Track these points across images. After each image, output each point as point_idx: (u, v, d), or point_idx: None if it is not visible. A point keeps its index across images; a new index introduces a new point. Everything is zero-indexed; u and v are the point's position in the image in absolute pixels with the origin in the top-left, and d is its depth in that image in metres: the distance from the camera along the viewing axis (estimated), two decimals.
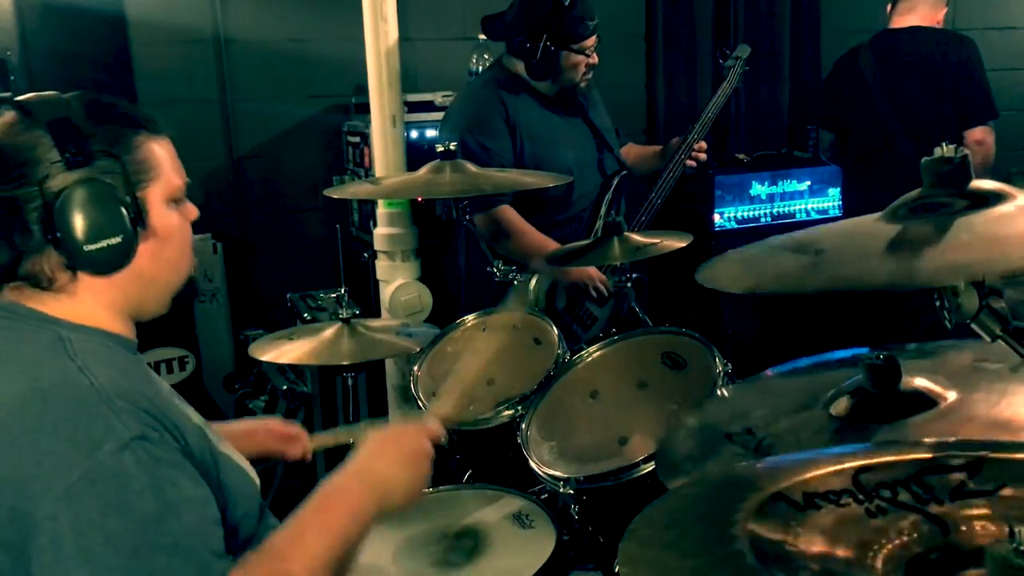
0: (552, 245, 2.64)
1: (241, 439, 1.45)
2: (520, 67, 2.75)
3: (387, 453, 1.26)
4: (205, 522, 1.04)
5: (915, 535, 0.75)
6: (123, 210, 1.13)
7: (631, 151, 3.04)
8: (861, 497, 0.77)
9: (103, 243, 1.12)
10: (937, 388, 1.12)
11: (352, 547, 1.14)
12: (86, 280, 1.15)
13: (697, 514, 0.81)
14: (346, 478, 1.21)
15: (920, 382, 1.13)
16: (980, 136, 3.18)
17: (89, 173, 1.11)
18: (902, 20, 3.34)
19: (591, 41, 2.70)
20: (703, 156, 2.87)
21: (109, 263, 1.14)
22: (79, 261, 1.12)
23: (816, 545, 0.73)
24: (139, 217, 1.15)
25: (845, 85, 3.46)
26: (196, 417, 1.23)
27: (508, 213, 2.64)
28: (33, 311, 1.14)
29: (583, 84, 2.75)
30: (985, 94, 3.22)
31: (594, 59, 2.73)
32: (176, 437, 1.08)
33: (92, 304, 1.16)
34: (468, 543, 1.54)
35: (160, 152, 1.20)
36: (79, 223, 1.10)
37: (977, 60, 3.23)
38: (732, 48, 3.08)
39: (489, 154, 2.60)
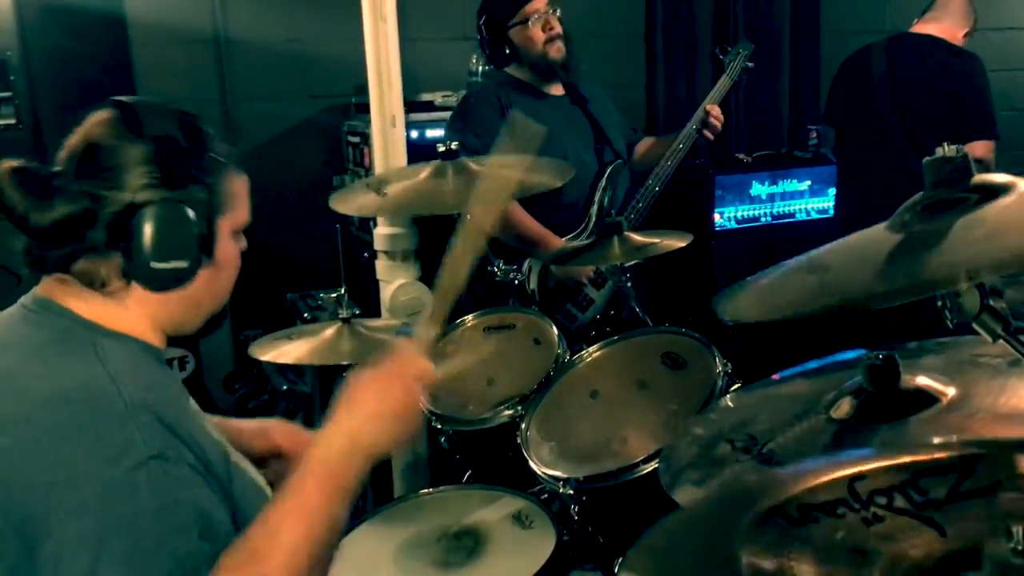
0: (552, 237, 2.68)
1: (255, 437, 1.45)
2: (511, 69, 2.82)
3: (366, 406, 1.15)
4: (210, 542, 1.02)
5: (913, 540, 0.75)
6: (198, 237, 1.15)
7: (644, 145, 3.05)
8: (856, 506, 0.77)
9: (171, 264, 1.13)
10: (937, 385, 1.12)
11: (337, 526, 1.08)
12: (138, 292, 1.15)
13: (695, 538, 0.81)
14: (326, 450, 1.10)
15: (920, 380, 1.13)
16: (981, 153, 3.17)
17: (181, 195, 1.13)
18: (923, 27, 3.33)
19: (531, 7, 2.71)
20: (718, 123, 2.86)
21: (169, 282, 1.15)
22: (141, 275, 1.13)
23: (813, 560, 0.73)
24: (209, 246, 1.17)
25: (852, 82, 3.46)
26: (215, 432, 1.23)
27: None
28: (67, 310, 1.14)
29: (554, 55, 2.75)
30: (986, 112, 3.22)
31: (555, 27, 2.74)
32: (197, 454, 1.08)
33: (137, 315, 1.16)
34: (468, 543, 1.54)
35: (240, 186, 1.23)
36: (154, 239, 1.11)
37: (981, 78, 3.23)
38: (733, 44, 3.09)
39: (483, 142, 2.61)
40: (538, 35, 2.73)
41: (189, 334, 1.27)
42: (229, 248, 1.22)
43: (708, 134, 2.85)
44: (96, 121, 1.14)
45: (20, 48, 2.83)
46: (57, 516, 0.97)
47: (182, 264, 1.14)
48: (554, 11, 2.76)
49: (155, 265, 1.12)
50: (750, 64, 3.01)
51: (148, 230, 1.11)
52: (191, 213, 1.14)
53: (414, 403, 1.18)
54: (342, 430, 1.13)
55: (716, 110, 2.85)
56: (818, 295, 0.91)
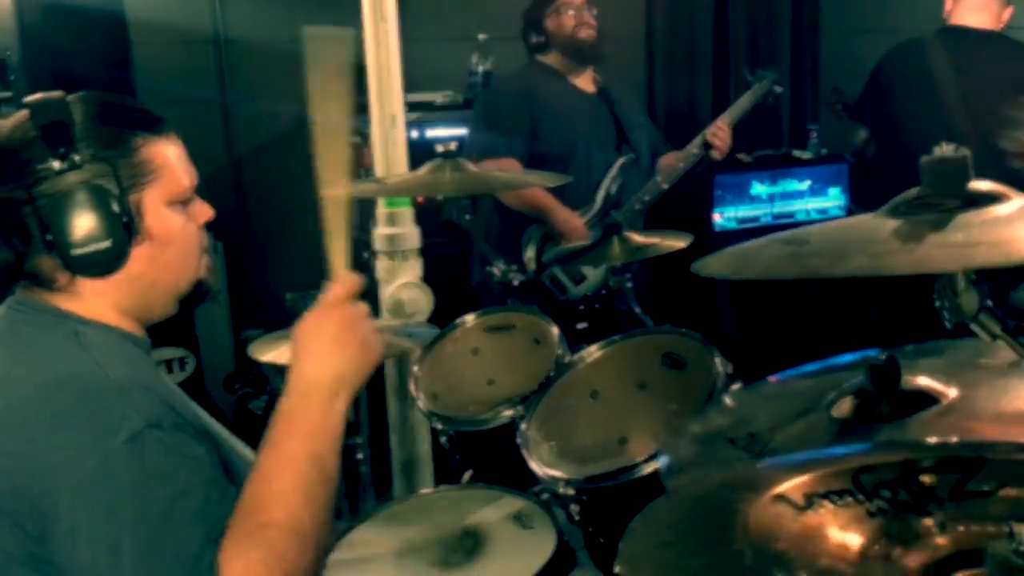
0: (561, 208, 2.83)
1: None
2: (543, 57, 3.02)
3: (317, 347, 1.13)
4: (214, 504, 1.04)
5: (915, 535, 0.75)
6: (114, 214, 1.13)
7: (666, 159, 3.11)
8: (861, 497, 0.77)
9: (92, 247, 1.12)
10: (938, 386, 1.12)
11: (327, 462, 1.08)
12: (86, 281, 1.16)
13: (697, 514, 0.81)
14: (288, 398, 1.11)
15: (921, 380, 1.13)
16: None
17: (81, 177, 1.11)
18: (969, 17, 3.16)
19: None
20: (723, 139, 2.95)
21: (100, 266, 1.14)
22: (71, 264, 1.13)
23: (816, 546, 0.73)
24: (132, 221, 1.15)
25: (905, 80, 3.25)
26: (201, 414, 1.23)
27: (512, 165, 2.81)
28: (49, 305, 1.16)
29: (583, 36, 2.92)
30: None
31: (587, 20, 2.92)
32: (192, 424, 1.10)
33: (97, 304, 1.17)
34: (468, 543, 1.54)
35: (163, 154, 1.19)
36: (68, 226, 1.11)
37: None
38: (758, 65, 3.18)
39: (501, 113, 2.89)
40: (569, 20, 2.92)
41: (163, 316, 1.25)
42: (166, 220, 1.19)
43: (715, 153, 2.95)
44: (9, 124, 1.15)
45: (20, 48, 2.84)
46: (63, 497, 0.99)
47: (103, 245, 1.12)
48: (590, 8, 2.95)
49: (77, 252, 1.12)
50: (778, 89, 3.08)
51: (60, 220, 1.11)
52: (96, 194, 1.11)
53: (356, 325, 1.16)
54: (298, 374, 1.12)
55: (722, 130, 2.95)
56: (785, 263, 0.94)
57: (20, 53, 2.84)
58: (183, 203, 1.22)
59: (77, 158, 1.11)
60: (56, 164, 1.10)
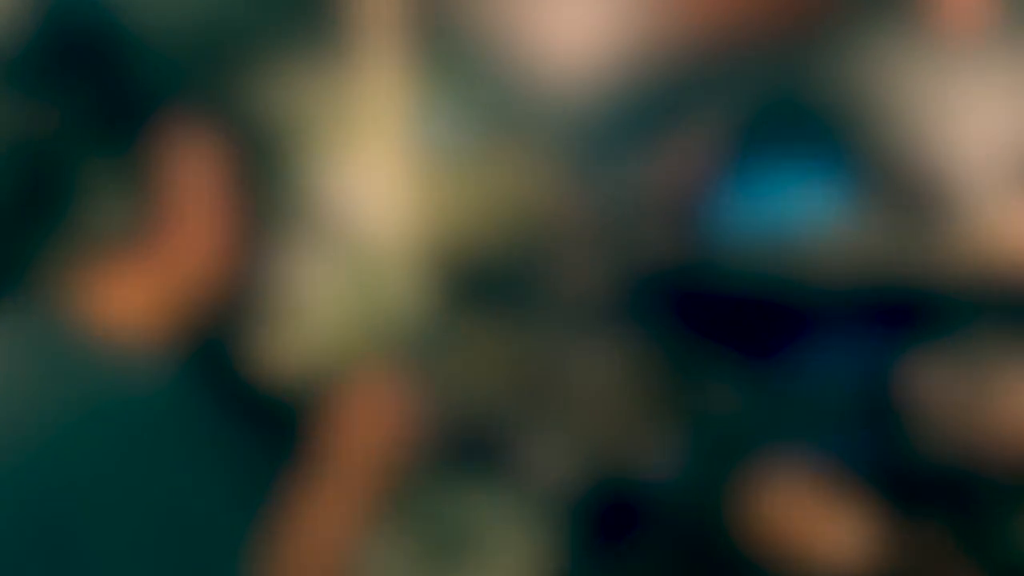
0: None
1: None
2: None
3: None
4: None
5: (915, 537, 0.75)
6: (151, 191, 1.12)
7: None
8: (861, 498, 0.78)
9: (123, 222, 1.11)
10: (935, 387, 1.12)
11: None
12: (119, 268, 1.14)
13: (696, 514, 0.81)
14: None
15: (918, 381, 1.13)
16: None
17: (117, 154, 1.12)
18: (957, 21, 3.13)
19: None
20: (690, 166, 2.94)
21: (131, 242, 1.13)
22: (101, 241, 1.12)
23: (815, 546, 0.74)
24: (165, 200, 1.13)
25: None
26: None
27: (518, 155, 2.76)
28: (72, 313, 1.14)
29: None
30: None
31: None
32: (196, 465, 1.09)
33: (128, 298, 1.15)
34: (468, 543, 1.54)
35: (206, 139, 1.19)
36: (102, 202, 1.11)
37: None
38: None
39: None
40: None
41: (196, 323, 1.23)
42: (192, 207, 1.17)
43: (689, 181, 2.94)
44: (45, 113, 1.16)
45: (18, 47, 2.84)
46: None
47: (135, 220, 1.10)
48: None
49: (105, 226, 1.11)
50: (770, 87, 3.07)
51: (94, 196, 1.11)
52: (133, 169, 1.11)
53: None
54: None
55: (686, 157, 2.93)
56: (780, 263, 0.96)
57: (19, 52, 2.84)
58: (224, 198, 1.21)
59: (117, 135, 1.12)
60: (96, 141, 1.11)
